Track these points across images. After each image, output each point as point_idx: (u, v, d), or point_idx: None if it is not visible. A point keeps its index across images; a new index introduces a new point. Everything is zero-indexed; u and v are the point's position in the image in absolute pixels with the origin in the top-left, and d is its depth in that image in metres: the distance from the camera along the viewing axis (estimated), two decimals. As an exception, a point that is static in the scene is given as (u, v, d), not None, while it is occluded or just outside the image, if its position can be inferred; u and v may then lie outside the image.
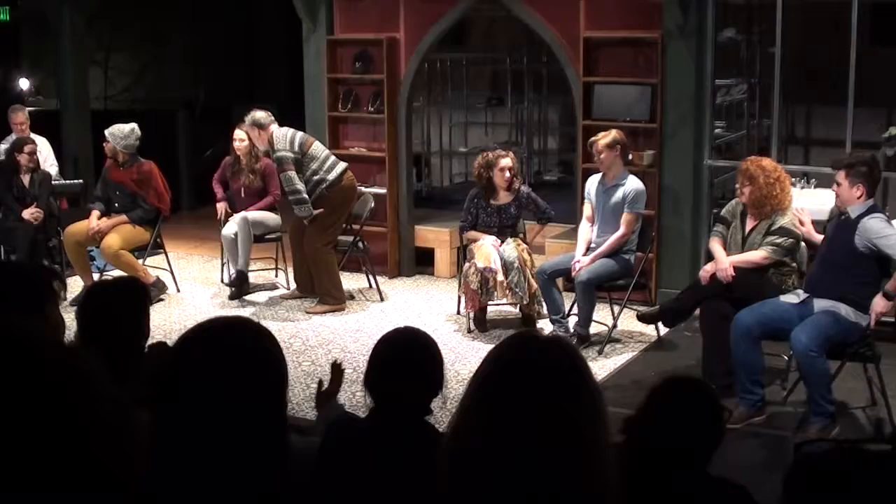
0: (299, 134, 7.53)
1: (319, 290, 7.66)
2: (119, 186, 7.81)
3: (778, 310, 5.42)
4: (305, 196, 7.37)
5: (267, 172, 7.86)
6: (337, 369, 3.52)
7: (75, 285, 7.87)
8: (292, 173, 7.33)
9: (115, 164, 7.83)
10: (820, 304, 5.33)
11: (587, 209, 6.89)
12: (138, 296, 3.28)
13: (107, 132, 7.79)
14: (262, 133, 7.47)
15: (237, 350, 1.65)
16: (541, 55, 11.02)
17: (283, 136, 7.41)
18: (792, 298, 5.46)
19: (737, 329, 5.38)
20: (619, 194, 6.63)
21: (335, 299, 7.62)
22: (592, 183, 6.84)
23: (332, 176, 7.45)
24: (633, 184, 6.64)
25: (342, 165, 7.55)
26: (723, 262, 5.81)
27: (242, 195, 7.95)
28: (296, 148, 7.37)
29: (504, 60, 11.59)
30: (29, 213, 7.79)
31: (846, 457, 1.70)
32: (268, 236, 8.41)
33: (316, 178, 7.42)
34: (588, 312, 6.65)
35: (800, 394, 5.62)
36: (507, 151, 7.27)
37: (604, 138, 6.65)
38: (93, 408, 1.07)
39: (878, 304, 5.20)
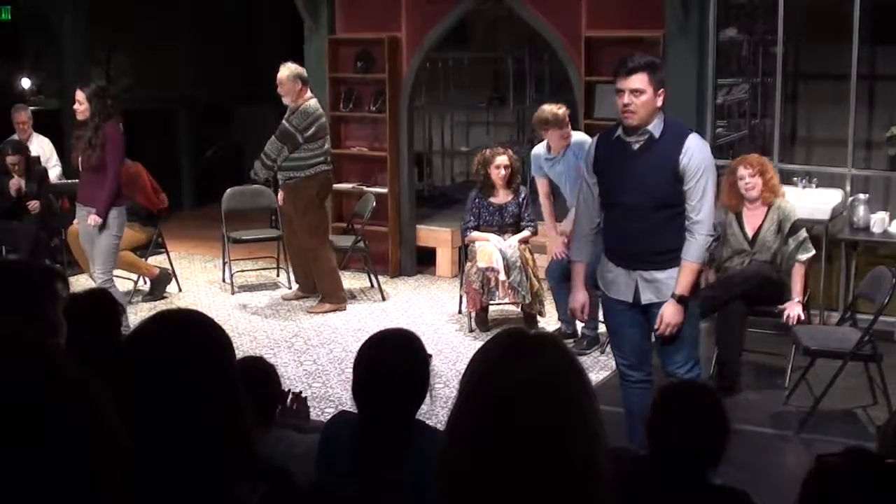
0: (318, 124, 7.35)
1: (321, 290, 7.65)
2: None
3: (632, 341, 4.43)
4: (273, 167, 7.35)
5: (107, 142, 6.51)
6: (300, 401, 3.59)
7: (76, 284, 7.88)
8: (283, 147, 7.26)
9: None
10: (647, 290, 4.28)
11: (542, 186, 6.78)
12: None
13: None
14: (302, 90, 7.29)
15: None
16: (542, 54, 11.02)
17: (307, 116, 7.29)
18: (622, 293, 4.35)
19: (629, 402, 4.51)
20: (571, 158, 6.47)
21: (337, 298, 7.61)
22: (538, 158, 6.70)
23: (305, 173, 7.33)
24: (579, 138, 6.52)
25: (322, 168, 7.42)
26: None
27: (80, 168, 6.72)
28: (306, 135, 7.28)
29: (506, 60, 11.58)
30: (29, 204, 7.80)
31: (867, 467, 1.69)
32: (265, 237, 8.38)
33: (292, 164, 7.32)
34: (593, 313, 6.61)
35: (800, 394, 5.62)
36: (505, 150, 7.29)
37: (554, 117, 6.47)
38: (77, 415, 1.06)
39: (671, 313, 4.19)
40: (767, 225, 5.93)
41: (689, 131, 4.30)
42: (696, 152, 4.13)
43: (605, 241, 4.43)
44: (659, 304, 4.26)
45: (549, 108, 6.53)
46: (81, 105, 6.56)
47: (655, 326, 4.24)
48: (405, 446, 2.56)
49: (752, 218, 5.99)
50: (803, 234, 5.92)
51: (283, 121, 7.32)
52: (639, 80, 4.10)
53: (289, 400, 3.51)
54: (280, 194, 7.61)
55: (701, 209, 4.13)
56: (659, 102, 4.14)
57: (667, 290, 4.23)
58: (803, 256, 5.87)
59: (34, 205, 7.85)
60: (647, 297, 4.27)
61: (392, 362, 2.66)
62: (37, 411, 1.03)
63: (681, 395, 2.78)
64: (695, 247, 4.17)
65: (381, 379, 2.63)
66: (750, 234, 5.97)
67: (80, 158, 6.65)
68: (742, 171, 5.96)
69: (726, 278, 5.93)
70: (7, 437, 1.00)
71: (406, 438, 2.58)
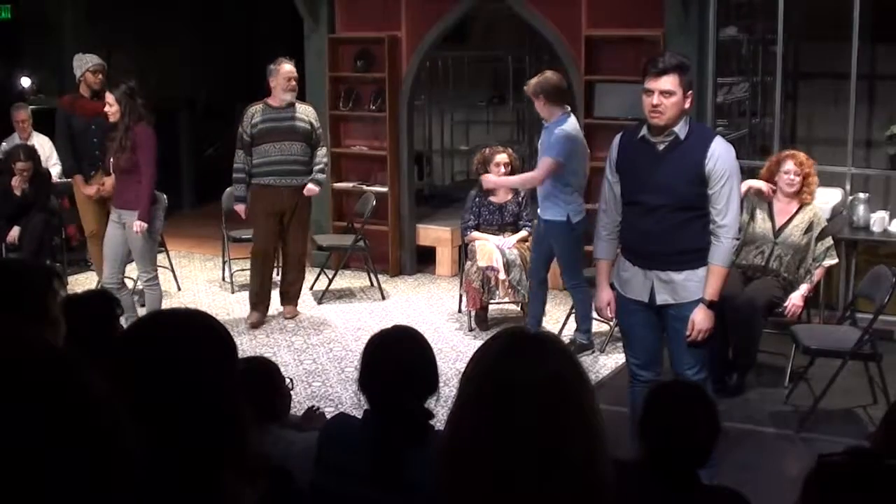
0: None
1: (296, 291, 7.47)
2: (97, 120, 7.18)
3: (645, 341, 4.41)
4: None
5: (138, 144, 6.45)
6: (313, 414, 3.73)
7: (76, 284, 7.88)
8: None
9: (85, 99, 7.56)
10: (663, 291, 4.24)
11: None
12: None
13: (75, 64, 7.79)
14: None
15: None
16: (542, 54, 11.01)
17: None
18: (637, 292, 4.32)
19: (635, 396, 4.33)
20: (546, 136, 6.36)
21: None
22: None
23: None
24: (561, 127, 6.26)
25: None
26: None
27: (112, 171, 6.67)
28: None
29: (506, 59, 11.58)
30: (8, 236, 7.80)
31: (867, 467, 1.69)
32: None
33: (309, 166, 7.23)
34: (584, 312, 6.56)
35: (800, 393, 5.62)
36: (505, 148, 7.27)
37: (529, 86, 6.35)
38: (88, 414, 1.06)
39: (701, 319, 4.17)
40: (797, 222, 5.97)
41: (713, 134, 4.28)
42: (721, 156, 4.09)
43: (623, 239, 4.40)
44: (674, 306, 4.23)
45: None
46: (112, 107, 6.51)
47: (687, 332, 4.16)
48: (408, 445, 2.57)
49: (781, 212, 6.03)
50: (830, 240, 6.00)
51: (306, 124, 7.08)
52: (670, 82, 4.05)
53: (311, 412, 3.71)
54: (279, 197, 7.10)
55: (727, 213, 4.10)
56: (687, 104, 4.11)
57: (683, 291, 4.20)
58: (829, 262, 5.99)
59: (12, 235, 7.82)
60: (662, 298, 4.23)
61: (401, 355, 2.69)
62: (37, 412, 1.02)
63: (671, 396, 2.78)
64: (721, 251, 4.14)
65: (392, 373, 2.65)
66: (777, 224, 5.99)
67: (111, 161, 6.56)
68: (789, 166, 6.00)
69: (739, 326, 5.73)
70: (8, 437, 1.00)
71: (409, 437, 2.59)
